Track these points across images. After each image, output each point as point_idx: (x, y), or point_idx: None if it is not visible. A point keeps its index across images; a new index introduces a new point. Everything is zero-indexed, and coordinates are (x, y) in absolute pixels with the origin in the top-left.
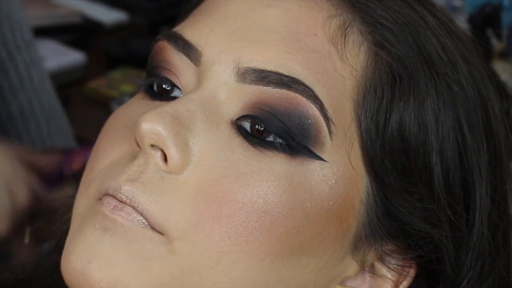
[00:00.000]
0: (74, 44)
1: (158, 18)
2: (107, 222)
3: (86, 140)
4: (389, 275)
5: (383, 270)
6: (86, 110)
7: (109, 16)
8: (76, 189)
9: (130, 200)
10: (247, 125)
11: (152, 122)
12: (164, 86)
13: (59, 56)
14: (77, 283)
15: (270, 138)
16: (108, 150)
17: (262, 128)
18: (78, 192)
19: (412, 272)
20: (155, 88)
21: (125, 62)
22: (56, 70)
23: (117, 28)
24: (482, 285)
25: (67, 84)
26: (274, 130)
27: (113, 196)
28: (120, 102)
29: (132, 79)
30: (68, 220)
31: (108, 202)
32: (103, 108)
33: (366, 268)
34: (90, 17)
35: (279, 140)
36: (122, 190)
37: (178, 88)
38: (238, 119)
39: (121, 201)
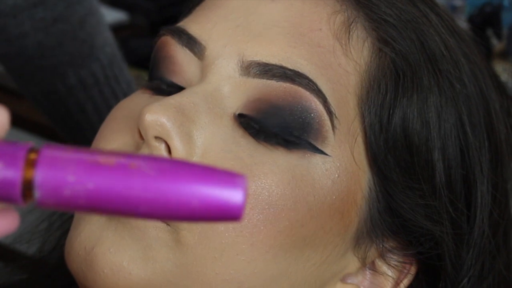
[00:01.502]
0: None
1: (158, 18)
2: None
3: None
4: (389, 273)
5: (384, 267)
6: None
7: (109, 16)
8: None
9: None
10: (246, 122)
11: (156, 113)
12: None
13: None
14: (81, 269)
15: (268, 133)
16: (109, 139)
17: (258, 127)
18: None
19: (412, 270)
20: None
21: (125, 62)
22: None
23: (117, 28)
24: (483, 284)
25: None
26: (270, 129)
27: None
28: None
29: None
30: (68, 219)
31: None
32: None
33: (367, 265)
34: None
35: (274, 139)
36: None
37: (181, 87)
38: (239, 115)
39: None
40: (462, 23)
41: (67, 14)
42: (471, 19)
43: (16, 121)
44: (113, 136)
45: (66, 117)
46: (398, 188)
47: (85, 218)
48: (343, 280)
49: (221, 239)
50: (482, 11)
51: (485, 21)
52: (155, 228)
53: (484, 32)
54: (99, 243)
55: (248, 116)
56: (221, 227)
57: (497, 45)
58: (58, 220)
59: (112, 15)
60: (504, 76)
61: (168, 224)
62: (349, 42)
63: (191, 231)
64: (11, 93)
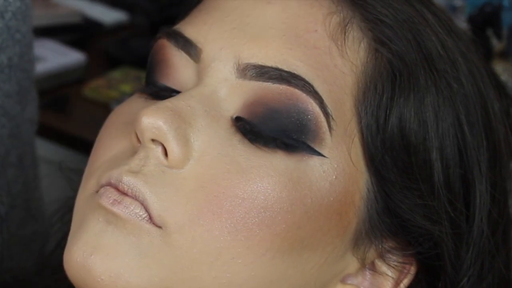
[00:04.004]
0: (74, 44)
1: (158, 18)
2: (109, 215)
3: (86, 140)
4: (389, 273)
5: (383, 267)
6: (86, 110)
7: (109, 16)
8: (76, 189)
9: (132, 190)
10: (243, 126)
11: (152, 116)
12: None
13: (59, 56)
14: (79, 275)
15: (266, 137)
16: (108, 146)
17: (255, 131)
18: (79, 188)
19: (412, 270)
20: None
21: (125, 62)
22: (56, 70)
23: (117, 28)
24: (482, 283)
25: (67, 84)
26: (268, 133)
27: (115, 186)
28: (120, 102)
29: (132, 79)
30: (69, 221)
31: (107, 196)
32: (103, 108)
33: (367, 266)
34: (90, 17)
35: (273, 144)
36: (123, 180)
37: (178, 91)
38: (236, 119)
39: (123, 191)
40: (462, 23)
41: None
42: (471, 19)
43: (62, 138)
44: (112, 142)
45: None
46: (396, 188)
47: (82, 225)
48: (343, 281)
49: (216, 243)
50: (482, 11)
51: (485, 21)
52: (147, 234)
53: (484, 32)
54: (97, 250)
55: (245, 120)
56: (216, 231)
57: (497, 45)
58: (59, 222)
59: (112, 15)
60: (504, 76)
61: (160, 227)
62: (345, 43)
63: (183, 234)
64: (57, 111)
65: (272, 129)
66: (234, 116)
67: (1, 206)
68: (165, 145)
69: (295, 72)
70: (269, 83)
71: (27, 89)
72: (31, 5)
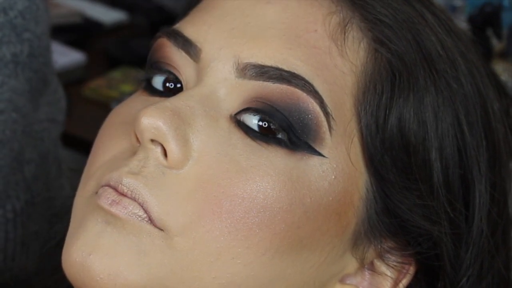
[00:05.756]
0: (74, 44)
1: (158, 18)
2: (108, 216)
3: (86, 140)
4: (388, 273)
5: (382, 267)
6: (86, 110)
7: (109, 16)
8: (76, 189)
9: (131, 192)
10: (250, 118)
11: (152, 117)
12: (167, 84)
13: (59, 56)
14: (78, 275)
15: (273, 129)
16: (108, 146)
17: (267, 122)
18: (78, 188)
19: (411, 270)
20: (154, 85)
21: (125, 62)
22: (56, 70)
23: (117, 28)
24: (482, 283)
25: (67, 84)
26: (278, 122)
27: (114, 188)
28: (120, 102)
29: (132, 79)
30: (69, 221)
31: (105, 197)
32: (103, 108)
33: (366, 266)
34: (90, 17)
35: (281, 135)
36: (123, 181)
37: (181, 82)
38: (239, 113)
39: (122, 193)
40: (462, 23)
41: None
42: (471, 19)
43: (62, 138)
44: (111, 143)
45: None
46: (396, 188)
47: (81, 226)
48: (342, 281)
49: (216, 243)
50: (482, 11)
51: (485, 21)
52: (148, 235)
53: (484, 32)
54: (96, 249)
55: (254, 109)
56: (217, 232)
57: (497, 45)
58: (59, 221)
59: (112, 15)
60: (504, 76)
61: (161, 229)
62: (344, 43)
63: (185, 236)
64: None
65: (282, 121)
66: (235, 113)
67: (16, 201)
68: (164, 145)
69: (295, 72)
70: (269, 82)
71: (40, 91)
72: (45, 8)
